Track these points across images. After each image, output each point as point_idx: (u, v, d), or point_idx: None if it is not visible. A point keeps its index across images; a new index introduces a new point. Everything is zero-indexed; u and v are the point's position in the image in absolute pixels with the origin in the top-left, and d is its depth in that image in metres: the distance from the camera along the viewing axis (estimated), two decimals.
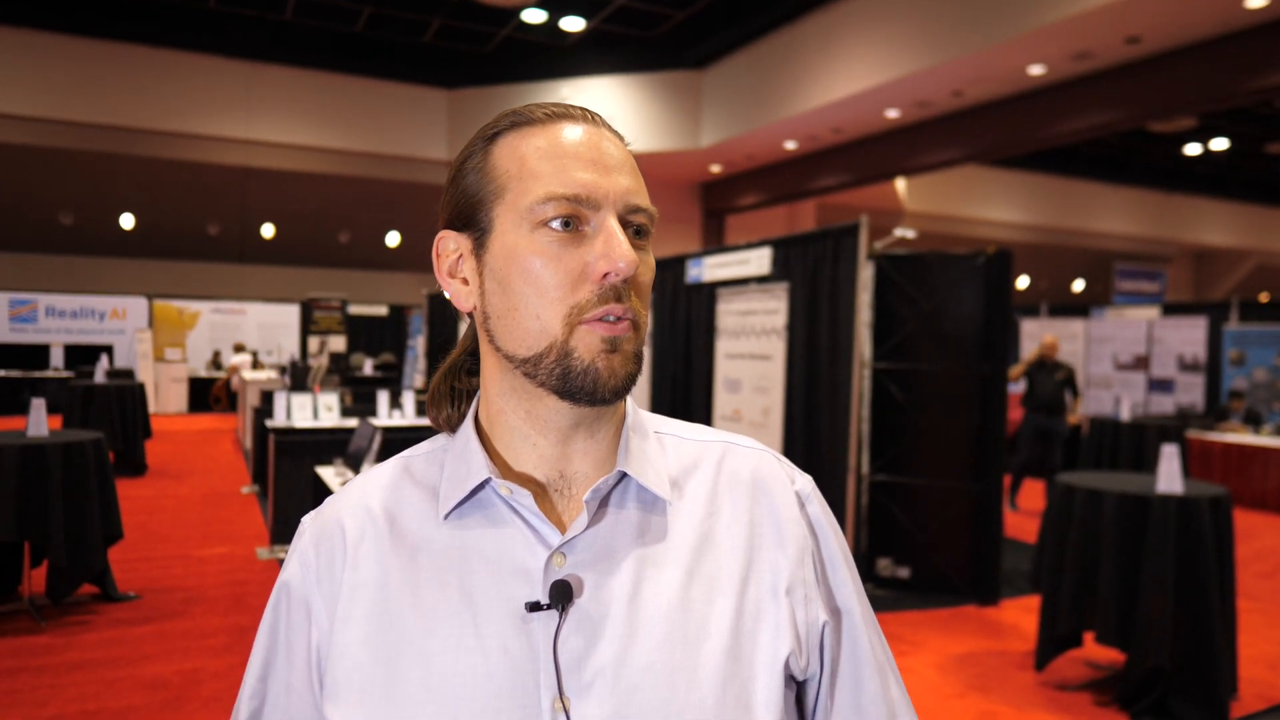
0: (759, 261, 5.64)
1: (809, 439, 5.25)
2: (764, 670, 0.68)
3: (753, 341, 5.20)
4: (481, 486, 0.70)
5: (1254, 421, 9.47)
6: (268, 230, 15.92)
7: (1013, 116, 9.93)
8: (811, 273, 5.35)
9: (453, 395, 0.79)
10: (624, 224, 0.68)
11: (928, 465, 5.46)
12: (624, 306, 0.66)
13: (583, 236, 0.67)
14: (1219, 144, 14.58)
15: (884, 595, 5.33)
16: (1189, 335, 11.12)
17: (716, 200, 15.38)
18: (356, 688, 0.67)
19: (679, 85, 12.77)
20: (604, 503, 0.71)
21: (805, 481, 0.78)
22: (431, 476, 0.74)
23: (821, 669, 0.73)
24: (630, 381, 0.68)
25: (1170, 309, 11.97)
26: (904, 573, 5.47)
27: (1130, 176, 17.88)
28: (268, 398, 7.15)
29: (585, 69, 12.80)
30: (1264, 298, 12.77)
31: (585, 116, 0.72)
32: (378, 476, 0.76)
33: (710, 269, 6.24)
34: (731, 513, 0.73)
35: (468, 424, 0.75)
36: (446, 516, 0.70)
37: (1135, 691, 3.66)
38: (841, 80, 10.01)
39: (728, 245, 6.30)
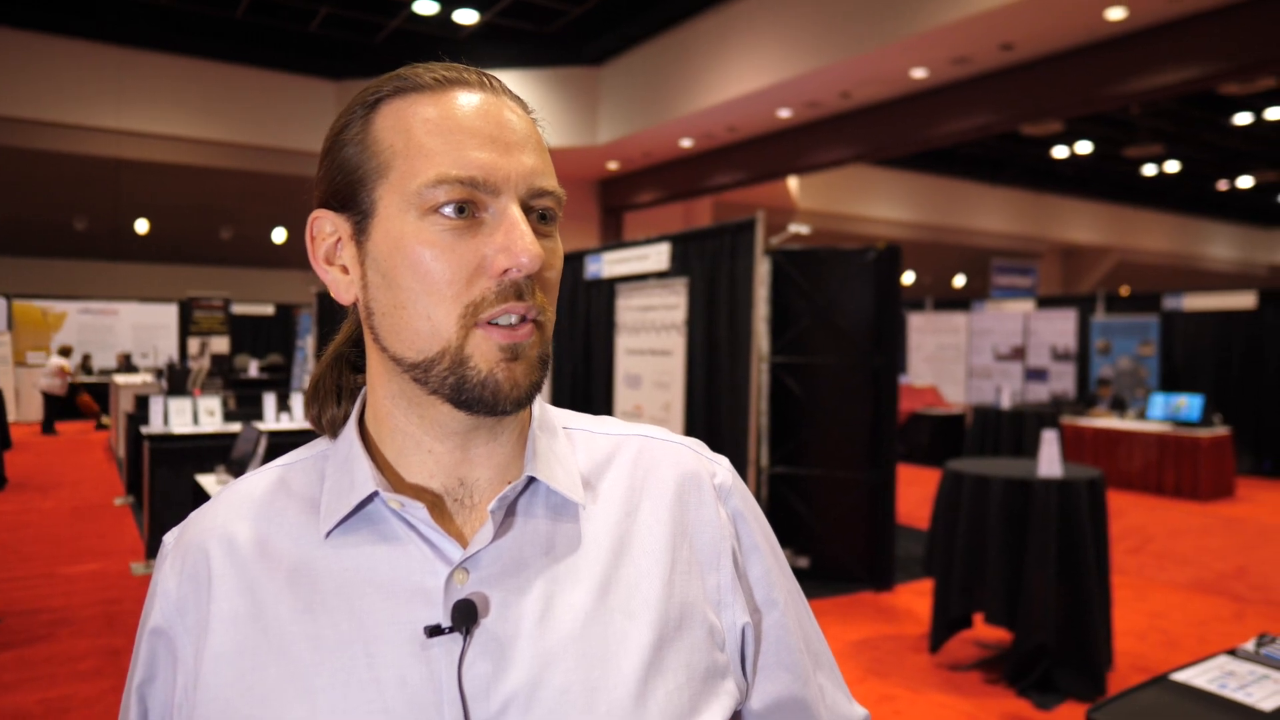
0: (658, 257, 5.65)
1: (709, 433, 5.29)
2: (690, 683, 0.63)
3: (652, 337, 5.20)
4: (368, 500, 0.63)
5: (1119, 407, 10.11)
6: (142, 225, 15.04)
7: (897, 118, 10.29)
8: (710, 268, 5.39)
9: (338, 393, 0.70)
10: (527, 210, 0.61)
11: (824, 456, 5.59)
12: (526, 305, 0.59)
13: (479, 225, 0.59)
14: (1084, 147, 15.50)
15: None
16: (1060, 327, 11.78)
17: (614, 197, 15.39)
18: None
19: (576, 81, 12.70)
20: (510, 511, 0.64)
21: (725, 473, 0.72)
22: (310, 488, 0.66)
23: (745, 671, 0.69)
24: (535, 390, 0.62)
25: (1044, 302, 12.66)
26: (803, 562, 5.58)
27: (1005, 177, 18.82)
28: (143, 403, 6.74)
29: (479, 63, 12.30)
30: (1125, 291, 13.66)
31: (483, 82, 0.63)
32: (249, 489, 0.67)
33: (609, 265, 6.21)
34: (651, 513, 0.67)
35: (350, 428, 0.67)
36: (329, 534, 0.62)
37: (1022, 668, 3.83)
38: (735, 79, 10.16)
39: (627, 241, 6.29)
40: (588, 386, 6.40)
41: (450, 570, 0.60)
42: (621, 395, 5.47)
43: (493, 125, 0.61)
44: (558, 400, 6.47)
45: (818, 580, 5.50)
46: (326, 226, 0.65)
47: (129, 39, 12.17)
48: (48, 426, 12.67)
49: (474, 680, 0.58)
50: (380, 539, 0.62)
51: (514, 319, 0.59)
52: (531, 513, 0.65)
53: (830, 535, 5.54)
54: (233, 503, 0.67)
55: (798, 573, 5.52)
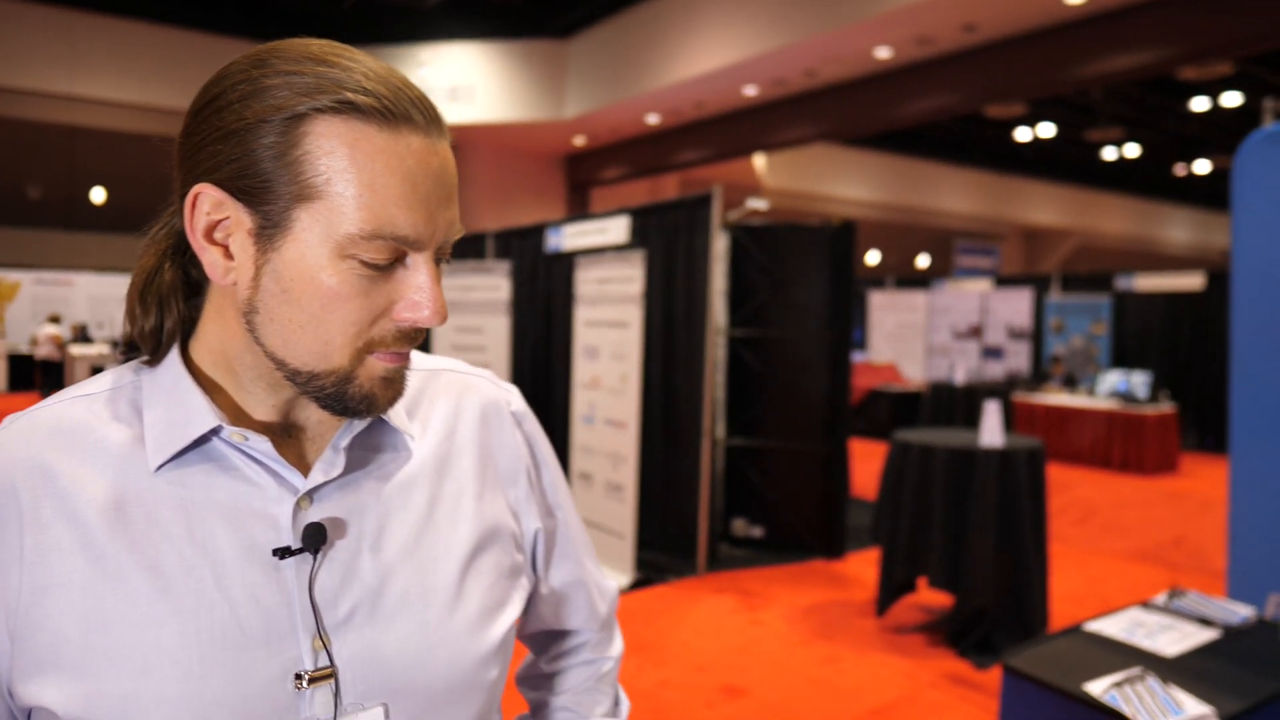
0: (617, 230, 5.68)
1: (666, 405, 5.36)
2: (500, 580, 0.74)
3: (610, 309, 5.24)
4: (207, 435, 0.64)
5: (1070, 384, 10.35)
6: (98, 195, 14.75)
7: (862, 97, 10.36)
8: (668, 242, 5.43)
9: (160, 307, 0.68)
10: (436, 254, 0.64)
11: (780, 428, 5.69)
12: (418, 342, 0.65)
13: (392, 269, 0.61)
14: (1046, 130, 15.71)
15: (739, 554, 5.53)
16: (1017, 306, 12.00)
17: (581, 173, 15.34)
18: (68, 663, 0.59)
19: (543, 54, 12.61)
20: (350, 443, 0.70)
21: (518, 400, 0.84)
22: (125, 418, 0.65)
23: (535, 566, 0.83)
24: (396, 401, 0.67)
25: (1001, 281, 12.87)
26: (758, 532, 5.69)
27: (968, 159, 19.02)
28: (98, 373, 6.67)
29: (446, 34, 12.43)
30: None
31: (425, 116, 0.61)
32: (54, 420, 0.64)
33: (569, 238, 6.23)
34: (465, 436, 0.77)
35: (174, 360, 0.66)
36: (160, 468, 0.63)
37: (962, 630, 3.97)
38: (702, 55, 10.16)
39: (586, 214, 6.31)
40: (549, 357, 6.43)
41: (296, 498, 0.65)
42: (580, 367, 5.51)
43: (432, 179, 0.61)
44: (518, 373, 6.50)
45: (772, 549, 5.62)
46: (219, 207, 0.60)
47: (82, 1, 11.86)
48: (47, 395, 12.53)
49: (322, 593, 0.65)
50: (219, 470, 0.64)
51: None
52: (366, 443, 0.71)
53: (785, 506, 5.65)
54: (36, 435, 0.63)
55: (752, 543, 5.66)
